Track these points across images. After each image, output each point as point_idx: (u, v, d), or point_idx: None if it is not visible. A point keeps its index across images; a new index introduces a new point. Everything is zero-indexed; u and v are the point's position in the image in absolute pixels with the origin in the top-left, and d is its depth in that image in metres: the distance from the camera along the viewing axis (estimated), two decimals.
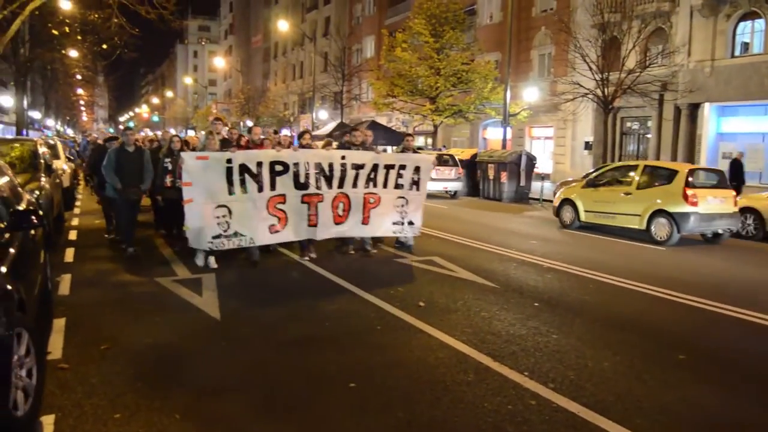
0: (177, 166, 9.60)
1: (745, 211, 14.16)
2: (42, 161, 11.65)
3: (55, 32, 31.91)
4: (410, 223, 10.39)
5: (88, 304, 7.04)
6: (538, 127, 33.22)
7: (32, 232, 5.61)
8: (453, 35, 29.96)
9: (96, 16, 25.89)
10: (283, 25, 53.61)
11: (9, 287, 4.07)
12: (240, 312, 6.85)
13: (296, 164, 9.17)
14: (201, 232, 8.54)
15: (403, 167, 10.17)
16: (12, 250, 4.69)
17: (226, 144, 9.91)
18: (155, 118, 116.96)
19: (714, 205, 12.76)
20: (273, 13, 68.96)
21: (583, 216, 14.47)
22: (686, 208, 12.34)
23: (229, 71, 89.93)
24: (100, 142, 17.33)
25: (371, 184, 9.92)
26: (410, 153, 10.91)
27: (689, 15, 24.27)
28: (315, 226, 9.43)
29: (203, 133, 16.52)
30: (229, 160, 8.68)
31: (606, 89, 23.17)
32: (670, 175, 13.07)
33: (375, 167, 9.91)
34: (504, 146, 25.88)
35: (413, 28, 30.87)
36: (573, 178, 22.40)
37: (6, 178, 6.32)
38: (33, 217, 4.91)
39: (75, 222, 13.54)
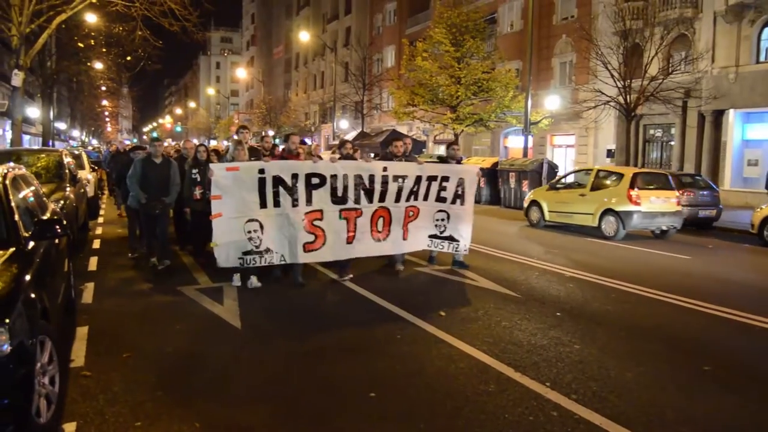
0: (206, 177, 8.90)
1: None
2: (67, 171, 11.81)
3: (80, 45, 32.50)
4: (451, 238, 9.61)
5: (111, 312, 7.10)
6: (560, 135, 33.00)
7: (56, 240, 5.69)
8: (473, 44, 29.92)
9: (121, 29, 26.29)
10: (304, 36, 54.07)
11: (33, 296, 4.12)
12: (260, 321, 6.87)
13: (334, 176, 8.43)
14: (230, 248, 7.94)
15: (446, 179, 9.42)
16: (37, 259, 4.76)
17: (254, 154, 9.39)
18: (178, 129, 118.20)
19: (657, 204, 14.32)
20: (294, 24, 69.53)
21: (547, 215, 16.17)
22: (630, 207, 14.02)
23: (251, 82, 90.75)
24: (117, 149, 17.43)
25: (413, 197, 9.22)
26: (454, 164, 10.03)
27: (713, 21, 24.01)
28: (353, 243, 8.71)
29: (226, 142, 16.02)
30: (261, 171, 8.04)
31: (628, 96, 22.97)
32: (617, 178, 14.84)
33: (418, 179, 9.18)
34: (525, 154, 25.74)
35: (434, 37, 30.88)
36: None
37: (32, 188, 6.43)
38: (57, 227, 4.98)
39: (99, 231, 13.70)
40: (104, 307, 7.30)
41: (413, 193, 9.20)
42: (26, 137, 33.84)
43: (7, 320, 3.55)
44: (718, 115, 24.29)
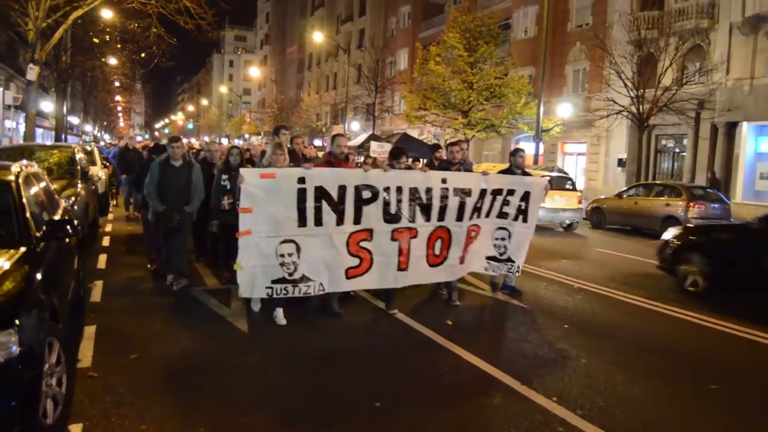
0: (237, 185, 7.30)
1: None
2: (79, 168, 11.85)
3: (95, 40, 32.72)
4: (509, 260, 8.35)
5: (119, 311, 7.13)
6: (571, 142, 32.89)
7: (67, 239, 5.71)
8: (487, 49, 29.87)
9: (136, 25, 26.46)
10: (318, 37, 54.11)
11: (43, 297, 4.14)
12: (267, 325, 6.85)
13: (387, 189, 7.02)
14: (256, 273, 6.48)
15: (511, 192, 8.12)
16: (47, 259, 4.78)
17: (294, 158, 8.28)
18: (190, 126, 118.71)
19: (560, 202, 17.31)
20: (308, 24, 69.66)
21: None
22: None
23: (263, 81, 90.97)
24: (127, 145, 16.65)
25: (476, 214, 7.86)
26: (519, 175, 8.57)
27: (728, 32, 23.85)
28: (405, 269, 7.29)
29: (238, 141, 15.32)
30: (301, 180, 6.57)
31: (641, 106, 22.88)
32: None
33: (482, 193, 7.83)
34: (536, 161, 25.64)
35: (447, 41, 30.86)
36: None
37: (44, 186, 6.46)
38: (68, 227, 5.01)
39: (108, 228, 13.75)
40: (112, 306, 7.33)
41: (477, 210, 7.84)
42: (39, 131, 34.02)
43: (17, 322, 3.57)
44: (731, 128, 24.12)
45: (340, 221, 6.80)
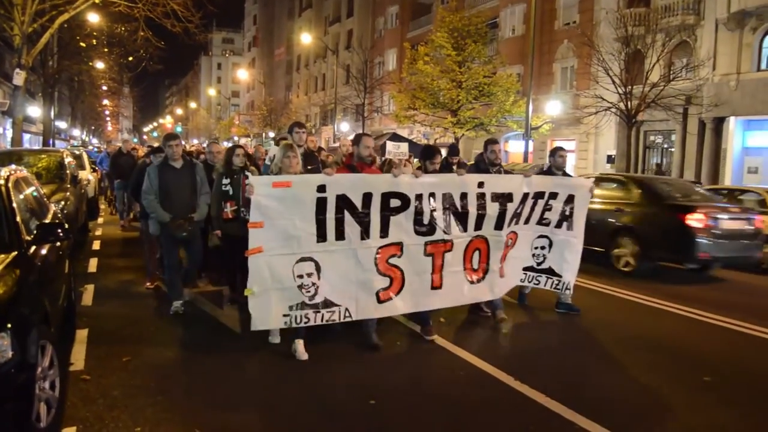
0: (241, 190, 6.88)
1: None
2: (68, 172, 11.81)
3: (82, 45, 32.55)
4: (550, 271, 7.50)
5: (111, 315, 7.10)
6: (561, 140, 32.97)
7: (58, 243, 5.68)
8: (475, 48, 29.93)
9: (123, 29, 26.32)
10: (306, 38, 54.07)
11: (34, 301, 4.13)
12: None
13: (419, 197, 6.13)
14: (271, 299, 5.59)
15: (553, 196, 7.30)
16: (38, 263, 4.76)
17: (310, 161, 7.37)
18: (178, 129, 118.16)
19: None
20: (296, 26, 69.60)
21: None
22: None
23: (252, 83, 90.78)
24: (120, 149, 15.60)
25: (515, 221, 7.02)
26: (561, 176, 7.71)
27: (714, 28, 24.04)
28: (439, 288, 6.38)
29: (227, 143, 14.15)
30: (321, 188, 5.67)
31: (629, 103, 23.01)
32: None
33: (524, 198, 6.98)
34: (526, 159, 25.75)
35: (435, 41, 30.89)
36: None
37: (33, 190, 6.43)
38: (59, 230, 4.97)
39: (99, 232, 13.69)
40: (104, 309, 7.30)
41: (516, 216, 7.00)
42: (27, 136, 33.85)
43: (9, 325, 3.55)
44: (719, 123, 24.32)
45: (365, 234, 5.89)
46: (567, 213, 7.38)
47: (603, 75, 23.56)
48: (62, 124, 53.44)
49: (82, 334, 6.20)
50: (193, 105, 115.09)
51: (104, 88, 49.72)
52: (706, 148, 24.73)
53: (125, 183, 13.14)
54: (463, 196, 6.46)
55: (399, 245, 6.08)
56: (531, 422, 4.52)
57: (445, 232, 6.32)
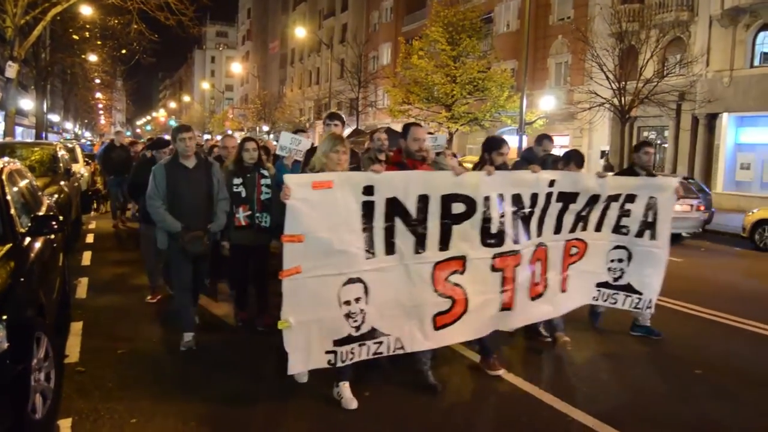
0: (256, 191, 6.14)
1: (762, 223, 14.16)
2: (61, 165, 11.78)
3: (75, 37, 32.32)
4: (629, 288, 6.39)
5: (105, 307, 7.11)
6: (555, 135, 32.58)
7: (52, 236, 5.68)
8: (470, 43, 29.93)
9: (116, 21, 26.17)
10: (300, 32, 53.90)
11: (29, 292, 4.14)
12: (256, 319, 6.80)
13: (487, 199, 5.06)
14: (313, 332, 4.46)
15: (631, 199, 6.23)
16: (33, 255, 4.77)
17: (355, 160, 5.93)
18: (172, 123, 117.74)
19: None
20: (290, 20, 69.37)
21: None
22: None
23: (245, 77, 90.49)
24: (113, 142, 14.45)
25: (580, 225, 6.07)
26: (644, 176, 6.54)
27: (708, 25, 24.12)
28: (510, 308, 5.33)
29: (220, 137, 12.22)
30: (368, 189, 4.58)
31: (623, 99, 23.08)
32: None
33: (591, 200, 6.03)
34: (519, 154, 25.79)
35: (430, 35, 30.87)
36: None
37: (27, 183, 6.42)
38: (53, 223, 4.98)
39: (92, 225, 13.66)
40: (98, 302, 7.31)
41: (581, 220, 6.06)
42: (19, 129, 33.62)
43: (5, 317, 3.56)
44: (712, 119, 24.43)
45: (420, 247, 4.81)
46: (650, 220, 6.30)
47: (597, 71, 23.62)
48: (55, 117, 53.19)
49: (76, 327, 6.21)
50: (186, 98, 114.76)
51: (97, 81, 49.30)
52: (699, 144, 24.84)
53: (119, 179, 12.68)
54: (534, 197, 5.47)
55: (461, 260, 5.00)
56: (525, 414, 4.55)
57: (515, 242, 5.28)
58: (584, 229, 6.10)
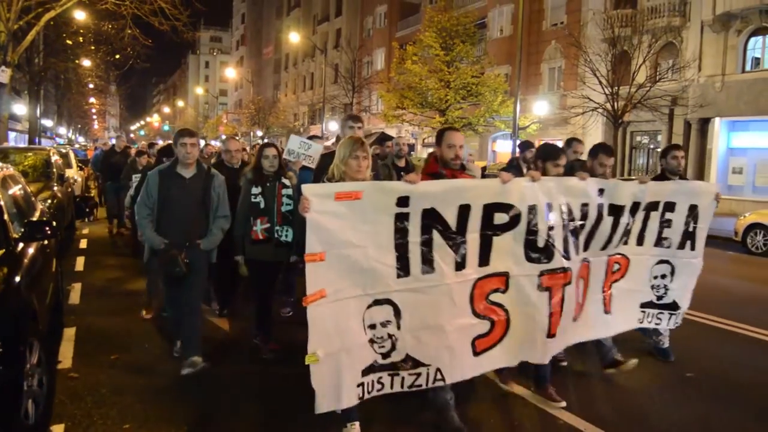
0: (276, 202, 5.56)
1: (753, 227, 14.24)
2: (54, 170, 11.76)
3: (69, 42, 32.26)
4: (673, 306, 5.87)
5: (98, 313, 7.08)
6: (548, 140, 33.13)
7: (45, 241, 5.68)
8: (463, 48, 30.05)
9: (110, 27, 26.15)
10: (294, 37, 53.96)
11: (22, 298, 4.13)
12: (250, 325, 6.79)
13: (532, 209, 4.49)
14: (343, 364, 3.91)
15: (670, 207, 5.67)
16: (26, 261, 4.76)
17: (374, 167, 5.01)
18: (166, 127, 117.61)
19: None
20: (284, 25, 69.45)
21: None
22: None
23: (240, 82, 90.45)
24: (113, 147, 14.71)
25: (624, 239, 5.47)
26: (679, 180, 5.99)
27: (700, 30, 24.28)
28: (554, 336, 4.62)
29: (215, 142, 12.64)
30: (403, 200, 4.04)
31: (616, 103, 23.21)
32: None
33: (635, 207, 5.42)
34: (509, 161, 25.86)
35: (424, 41, 30.99)
36: None
37: (21, 188, 6.41)
38: (47, 228, 4.97)
39: (85, 231, 13.62)
40: (92, 307, 7.29)
41: (626, 233, 5.47)
42: (12, 134, 33.55)
43: None
44: (704, 123, 24.57)
45: (460, 264, 4.25)
46: (690, 229, 5.76)
47: (590, 76, 23.77)
48: (48, 122, 53.01)
49: (69, 333, 6.20)
50: (180, 103, 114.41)
51: (91, 86, 49.32)
52: (691, 149, 24.95)
53: (118, 186, 12.07)
54: (584, 206, 4.90)
55: (504, 276, 4.44)
56: (518, 418, 4.57)
57: (564, 258, 4.64)
58: (626, 243, 5.51)
